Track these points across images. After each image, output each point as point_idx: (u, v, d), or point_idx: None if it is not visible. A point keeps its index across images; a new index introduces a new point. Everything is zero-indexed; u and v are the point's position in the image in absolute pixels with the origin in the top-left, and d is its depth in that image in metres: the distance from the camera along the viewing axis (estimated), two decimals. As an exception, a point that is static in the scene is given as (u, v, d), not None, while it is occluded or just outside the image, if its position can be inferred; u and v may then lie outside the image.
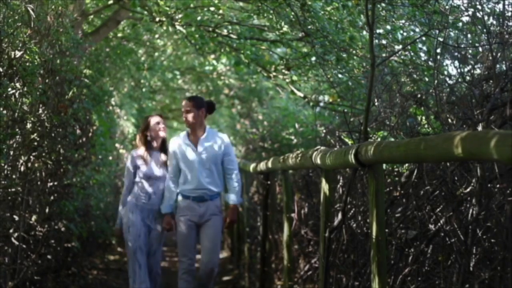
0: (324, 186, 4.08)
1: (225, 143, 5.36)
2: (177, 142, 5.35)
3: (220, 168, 5.36)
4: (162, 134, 5.48)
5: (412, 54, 6.27)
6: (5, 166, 4.62)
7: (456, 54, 4.41)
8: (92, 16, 8.69)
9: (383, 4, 5.59)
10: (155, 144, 5.49)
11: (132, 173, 5.45)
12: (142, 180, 5.42)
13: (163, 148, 5.51)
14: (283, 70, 7.77)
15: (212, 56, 10.29)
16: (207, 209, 5.30)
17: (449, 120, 3.74)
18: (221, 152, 5.33)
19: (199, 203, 5.29)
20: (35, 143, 4.86)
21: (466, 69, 4.28)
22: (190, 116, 5.29)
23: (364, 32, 6.56)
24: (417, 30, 6.36)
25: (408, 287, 3.59)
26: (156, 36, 10.73)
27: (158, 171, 5.43)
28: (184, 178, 5.31)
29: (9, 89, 4.34)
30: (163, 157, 5.47)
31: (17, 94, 4.50)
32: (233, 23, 7.76)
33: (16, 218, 4.87)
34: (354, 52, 6.47)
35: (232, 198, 5.37)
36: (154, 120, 5.51)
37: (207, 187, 5.27)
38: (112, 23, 8.03)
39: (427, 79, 5.08)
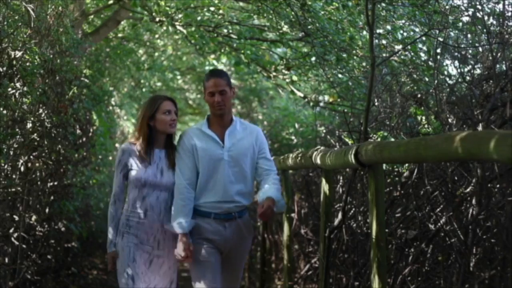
0: (324, 186, 4.08)
1: (260, 136, 3.89)
2: (194, 134, 3.80)
3: (253, 172, 3.85)
4: (171, 130, 3.84)
5: (412, 54, 6.27)
6: (5, 166, 4.62)
7: (456, 54, 4.42)
8: (92, 16, 8.70)
9: (383, 4, 5.59)
10: (158, 139, 3.85)
11: (123, 175, 3.81)
12: (135, 188, 3.80)
13: (168, 144, 3.89)
14: (283, 70, 7.77)
15: (212, 56, 10.28)
16: (235, 232, 3.77)
17: (449, 120, 3.74)
18: (256, 150, 3.84)
19: (224, 223, 3.74)
20: (35, 143, 4.86)
21: (466, 69, 4.28)
22: (224, 99, 3.73)
23: (364, 32, 6.56)
24: (417, 30, 6.35)
25: (408, 287, 3.60)
26: (156, 36, 10.74)
27: (159, 176, 3.79)
28: (203, 186, 3.75)
29: (9, 89, 4.34)
30: (167, 157, 3.85)
31: (17, 94, 4.50)
32: (233, 23, 7.76)
33: (16, 218, 4.87)
34: (354, 52, 6.47)
35: (272, 191, 3.68)
36: (164, 106, 3.81)
37: (235, 199, 3.74)
38: (112, 23, 8.04)
39: (427, 79, 5.08)
